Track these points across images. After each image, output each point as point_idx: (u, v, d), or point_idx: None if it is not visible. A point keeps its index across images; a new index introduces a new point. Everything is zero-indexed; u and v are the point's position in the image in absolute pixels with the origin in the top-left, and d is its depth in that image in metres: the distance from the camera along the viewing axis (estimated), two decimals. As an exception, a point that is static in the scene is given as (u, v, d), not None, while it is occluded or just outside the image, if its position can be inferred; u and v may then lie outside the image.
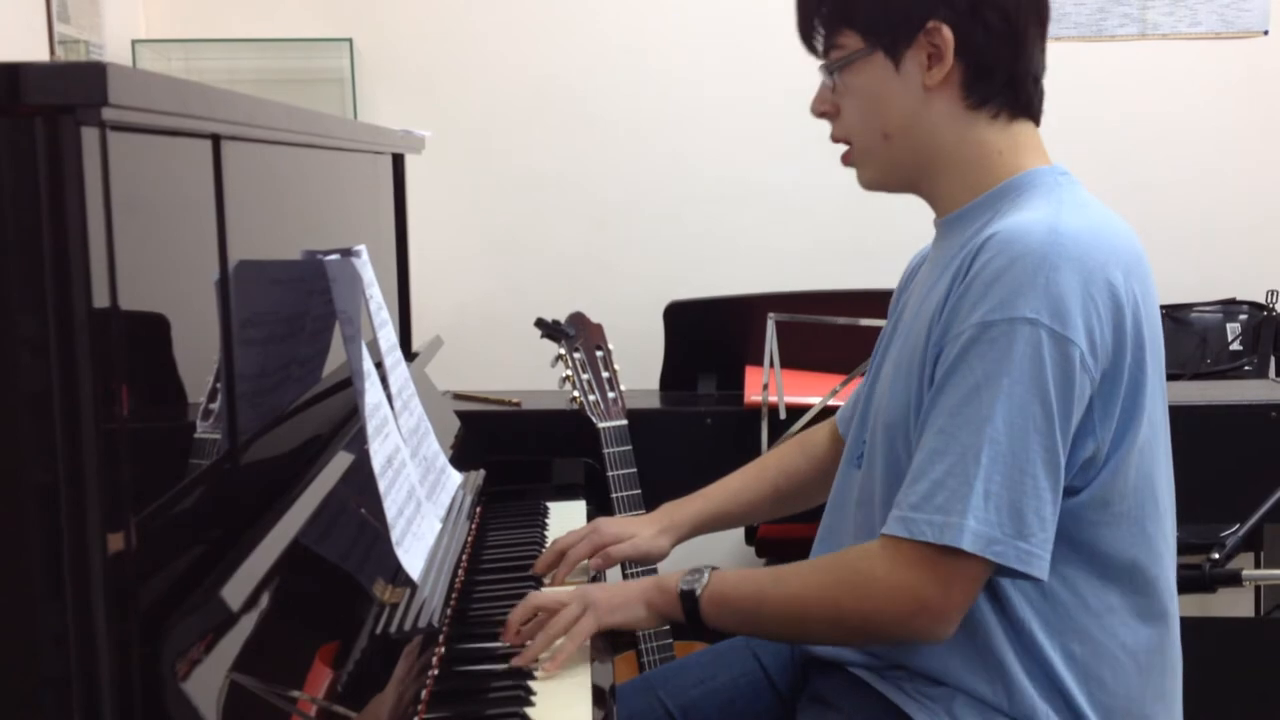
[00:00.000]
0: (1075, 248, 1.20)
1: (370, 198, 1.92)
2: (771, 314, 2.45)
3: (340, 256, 1.36)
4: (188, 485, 1.01)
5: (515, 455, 2.13)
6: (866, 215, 3.10)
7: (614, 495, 2.18)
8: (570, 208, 3.32)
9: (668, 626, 2.11)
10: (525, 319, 2.39)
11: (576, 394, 2.28)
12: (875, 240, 3.07)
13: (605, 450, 2.22)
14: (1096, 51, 3.26)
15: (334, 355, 1.47)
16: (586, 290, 3.14)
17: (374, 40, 3.23)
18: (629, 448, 2.24)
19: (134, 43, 3.11)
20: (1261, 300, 3.19)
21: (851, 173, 1.42)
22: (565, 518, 1.88)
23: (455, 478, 1.69)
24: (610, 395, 2.28)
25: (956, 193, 1.34)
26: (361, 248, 1.45)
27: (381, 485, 1.30)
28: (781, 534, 2.79)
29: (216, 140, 1.10)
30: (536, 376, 2.59)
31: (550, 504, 1.95)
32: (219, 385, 1.09)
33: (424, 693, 1.24)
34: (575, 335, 2.32)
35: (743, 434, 2.48)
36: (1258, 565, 2.83)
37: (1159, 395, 1.29)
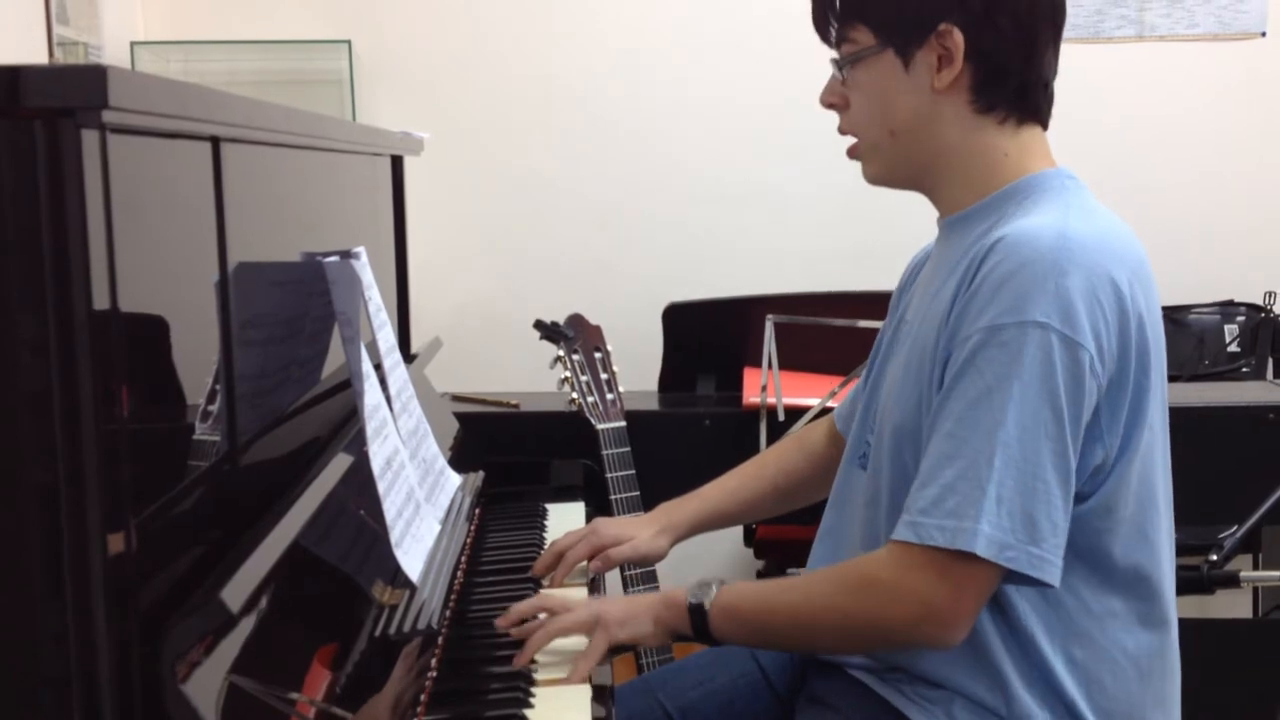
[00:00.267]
0: (1083, 253, 1.20)
1: (369, 199, 1.93)
2: (770, 315, 2.45)
3: (339, 258, 1.36)
4: (187, 486, 1.01)
5: (514, 457, 2.13)
6: (866, 217, 3.11)
7: (613, 497, 2.18)
8: (569, 209, 3.32)
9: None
10: (524, 320, 2.39)
11: (575, 395, 2.28)
12: (874, 242, 3.07)
13: (604, 452, 2.22)
14: (1094, 53, 3.27)
15: (333, 357, 1.47)
16: (585, 292, 3.14)
17: (373, 42, 3.24)
18: (628, 449, 2.24)
19: (133, 45, 3.11)
20: (1259, 302, 3.20)
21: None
22: (564, 519, 1.88)
23: (454, 479, 1.69)
24: (609, 397, 2.29)
25: (961, 193, 1.34)
26: (360, 249, 1.45)
27: (381, 487, 1.30)
28: (780, 535, 2.80)
29: (216, 142, 1.10)
30: (535, 378, 2.59)
31: (549, 505, 1.95)
32: (218, 386, 1.09)
33: (423, 694, 1.24)
34: (574, 337, 2.32)
35: (741, 435, 2.48)
36: (1256, 566, 2.83)
37: (1161, 400, 1.29)
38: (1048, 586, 1.21)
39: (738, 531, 2.86)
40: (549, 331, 2.33)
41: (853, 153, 1.40)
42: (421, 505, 1.46)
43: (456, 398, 2.62)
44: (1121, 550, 1.28)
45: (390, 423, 1.40)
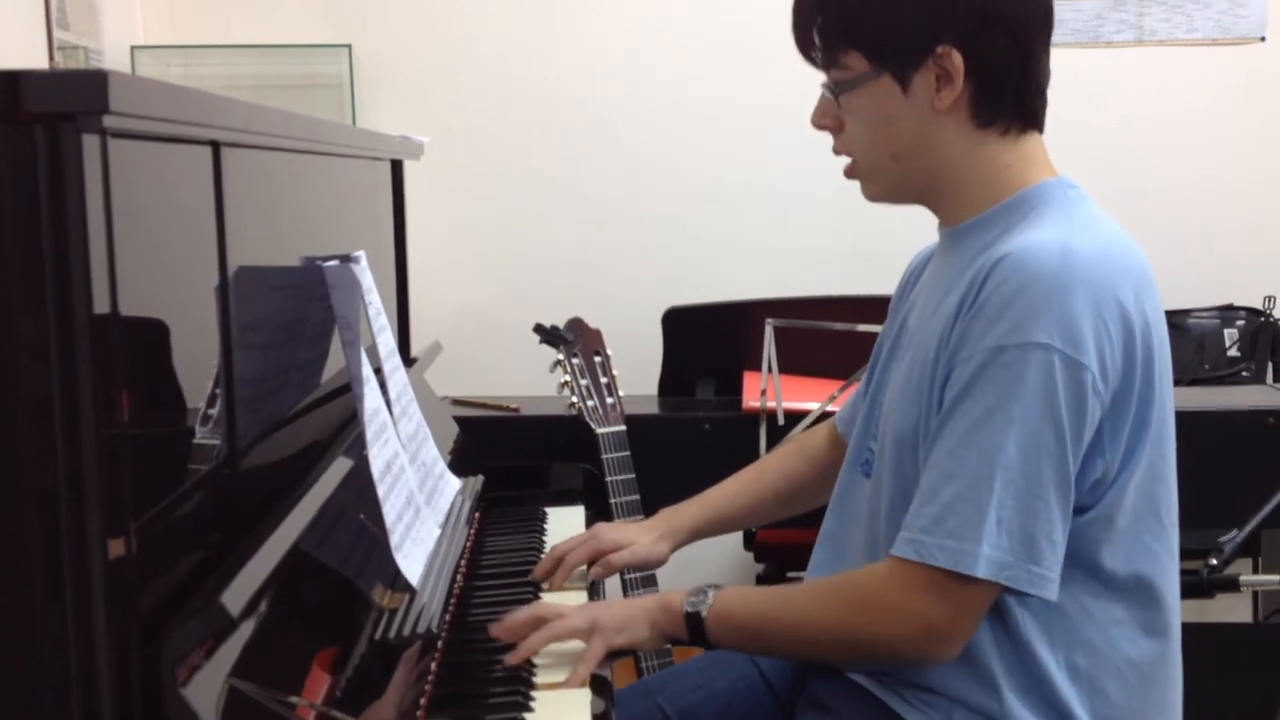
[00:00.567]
0: (1087, 270, 1.20)
1: (369, 203, 1.93)
2: (770, 319, 2.45)
3: (339, 262, 1.36)
4: (187, 490, 1.01)
5: (514, 461, 2.13)
6: (866, 220, 3.08)
7: (612, 501, 2.18)
8: (569, 213, 3.33)
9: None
10: (524, 324, 2.39)
11: (575, 399, 2.28)
12: (874, 246, 3.06)
13: (604, 456, 2.22)
14: (1094, 58, 3.27)
15: (333, 361, 1.47)
16: (585, 296, 3.14)
17: (373, 46, 3.24)
18: (627, 453, 2.24)
19: (133, 49, 3.11)
20: (1259, 306, 3.20)
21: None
22: (564, 523, 1.88)
23: (454, 483, 1.69)
24: (609, 401, 2.29)
25: (965, 206, 1.33)
26: (360, 253, 1.45)
27: (380, 490, 1.30)
28: (780, 538, 2.79)
29: (216, 147, 1.10)
30: (535, 382, 2.59)
31: (549, 509, 1.95)
32: (218, 390, 1.09)
33: (423, 698, 1.24)
34: (574, 341, 2.32)
35: (741, 439, 2.48)
36: (1255, 570, 2.83)
37: (1167, 410, 1.29)
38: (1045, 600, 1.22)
39: (738, 534, 2.86)
40: (549, 335, 2.33)
41: (850, 173, 1.38)
42: (421, 509, 1.46)
43: (456, 401, 2.62)
44: (1123, 559, 1.28)
45: (390, 426, 1.40)
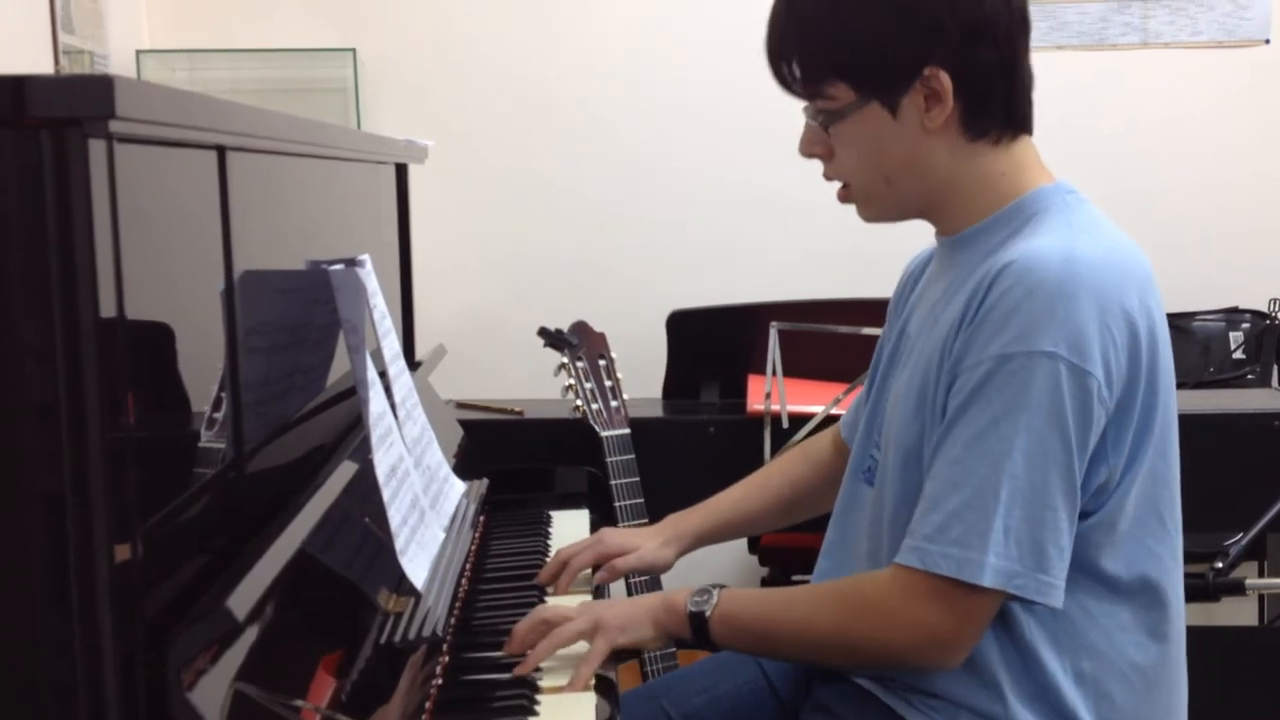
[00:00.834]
0: (1091, 276, 1.20)
1: (374, 207, 1.93)
2: (774, 323, 2.45)
3: (344, 266, 1.36)
4: (193, 494, 1.01)
5: (518, 464, 2.13)
6: (869, 224, 3.10)
7: (617, 504, 2.18)
8: (573, 216, 3.33)
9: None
10: (528, 328, 2.39)
11: (579, 403, 2.28)
12: (877, 248, 3.05)
13: (608, 459, 2.22)
14: (1098, 60, 3.26)
15: (338, 364, 1.47)
16: (589, 299, 3.14)
17: (377, 50, 3.24)
18: (632, 456, 2.24)
19: (138, 53, 3.11)
20: (1264, 309, 3.19)
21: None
22: (568, 526, 1.88)
23: (459, 487, 1.69)
24: (613, 404, 2.29)
25: (963, 216, 1.33)
26: (365, 257, 1.45)
27: (385, 494, 1.30)
28: (785, 542, 2.80)
29: (221, 151, 1.10)
30: (539, 385, 2.60)
31: (553, 513, 1.95)
32: (224, 394, 1.09)
33: (428, 702, 1.24)
34: (578, 344, 2.32)
35: (745, 442, 2.48)
36: (1261, 574, 2.83)
37: (1170, 413, 1.29)
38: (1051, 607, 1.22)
39: (742, 539, 2.86)
40: (553, 339, 2.33)
41: (845, 197, 1.37)
42: (426, 512, 1.46)
43: (461, 405, 2.62)
44: (1127, 563, 1.28)
45: (395, 430, 1.41)
